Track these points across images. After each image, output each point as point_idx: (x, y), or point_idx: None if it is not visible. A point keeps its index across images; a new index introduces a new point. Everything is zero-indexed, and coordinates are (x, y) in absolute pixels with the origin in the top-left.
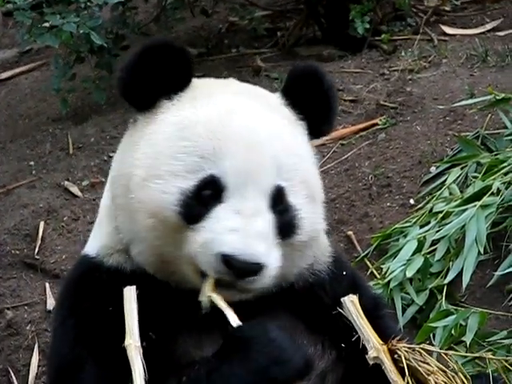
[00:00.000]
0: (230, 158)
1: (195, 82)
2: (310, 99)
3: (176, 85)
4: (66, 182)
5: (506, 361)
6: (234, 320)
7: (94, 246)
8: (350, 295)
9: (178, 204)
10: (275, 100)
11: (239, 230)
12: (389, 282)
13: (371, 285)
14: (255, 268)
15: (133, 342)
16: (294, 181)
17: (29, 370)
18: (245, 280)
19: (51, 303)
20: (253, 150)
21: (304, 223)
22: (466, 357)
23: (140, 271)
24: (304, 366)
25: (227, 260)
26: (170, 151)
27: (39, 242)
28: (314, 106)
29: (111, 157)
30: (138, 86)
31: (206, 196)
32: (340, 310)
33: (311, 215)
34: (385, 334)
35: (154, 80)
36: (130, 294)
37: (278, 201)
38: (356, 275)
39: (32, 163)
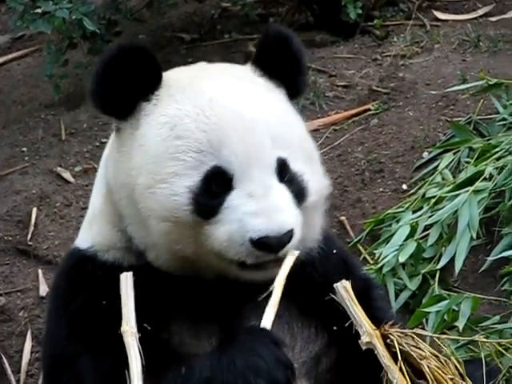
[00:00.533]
0: (226, 145)
1: (166, 76)
2: (282, 64)
3: (150, 85)
4: (59, 168)
5: (499, 344)
6: (266, 321)
7: (87, 240)
8: (343, 281)
9: (190, 203)
10: (248, 72)
11: (257, 211)
12: (381, 267)
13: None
14: (287, 237)
15: (129, 328)
16: (291, 148)
17: (21, 356)
18: (281, 251)
19: (44, 289)
20: (246, 131)
21: (311, 185)
22: (458, 342)
23: (137, 267)
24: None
25: (260, 243)
26: (167, 153)
27: (32, 228)
28: (287, 70)
29: (103, 143)
30: (112, 96)
31: (215, 188)
32: (333, 296)
33: (315, 175)
34: (375, 316)
35: (126, 86)
36: (126, 280)
37: (284, 172)
38: (346, 254)
39: (24, 149)
